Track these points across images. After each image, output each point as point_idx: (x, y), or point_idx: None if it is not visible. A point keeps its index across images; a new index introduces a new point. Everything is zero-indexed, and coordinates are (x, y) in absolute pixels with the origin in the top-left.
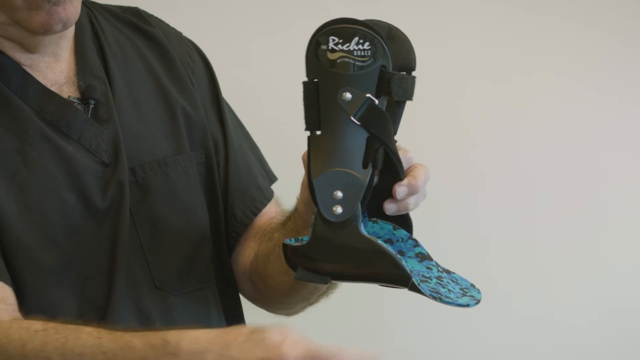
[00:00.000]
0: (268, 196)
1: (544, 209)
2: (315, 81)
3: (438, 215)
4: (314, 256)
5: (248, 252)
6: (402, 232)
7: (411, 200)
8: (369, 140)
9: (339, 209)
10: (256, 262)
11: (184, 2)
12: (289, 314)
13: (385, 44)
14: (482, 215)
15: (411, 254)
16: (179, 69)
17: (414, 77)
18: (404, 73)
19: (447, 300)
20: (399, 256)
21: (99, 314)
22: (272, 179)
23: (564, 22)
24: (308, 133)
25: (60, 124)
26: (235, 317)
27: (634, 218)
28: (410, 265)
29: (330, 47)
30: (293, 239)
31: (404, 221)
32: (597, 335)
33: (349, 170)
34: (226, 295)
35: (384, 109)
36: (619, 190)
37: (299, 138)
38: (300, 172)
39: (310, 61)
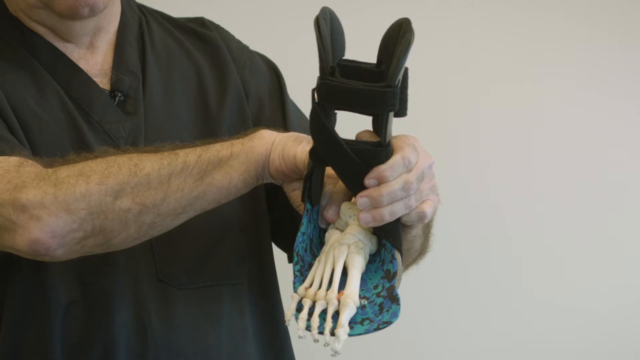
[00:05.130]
0: None
1: (562, 201)
2: None
3: (457, 211)
4: None
5: None
6: (388, 244)
7: (384, 212)
8: None
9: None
10: None
11: (217, 2)
12: None
13: (323, 48)
14: (500, 211)
15: (385, 267)
16: (230, 69)
17: (362, 89)
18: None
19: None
20: (294, 255)
21: (95, 296)
22: None
23: (570, 25)
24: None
25: (83, 101)
26: (268, 320)
27: None
28: (373, 278)
29: None
30: None
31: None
32: (619, 322)
33: (309, 159)
34: (259, 296)
35: (326, 112)
36: (634, 181)
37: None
38: None
39: None
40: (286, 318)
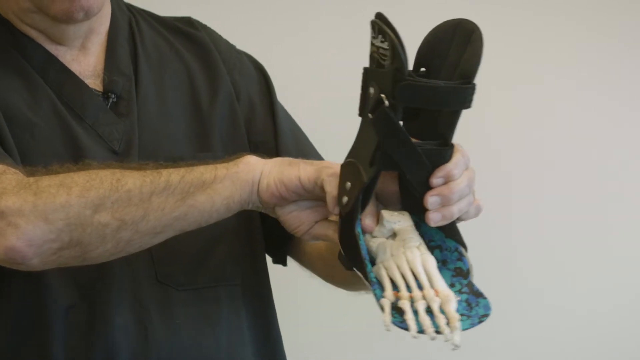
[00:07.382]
0: None
1: (563, 202)
2: (365, 67)
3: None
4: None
5: None
6: (452, 242)
7: (454, 209)
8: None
9: (344, 199)
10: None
11: (205, 3)
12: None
13: (402, 48)
14: (501, 213)
15: (452, 266)
16: (220, 70)
17: (449, 87)
18: (422, 77)
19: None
20: (366, 262)
21: (94, 299)
22: None
23: (570, 25)
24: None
25: (75, 105)
26: (262, 320)
27: None
28: (444, 278)
29: (370, 38)
30: None
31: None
32: (619, 323)
33: (358, 164)
34: (254, 297)
35: (396, 113)
36: (634, 182)
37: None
38: None
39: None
40: (386, 324)
